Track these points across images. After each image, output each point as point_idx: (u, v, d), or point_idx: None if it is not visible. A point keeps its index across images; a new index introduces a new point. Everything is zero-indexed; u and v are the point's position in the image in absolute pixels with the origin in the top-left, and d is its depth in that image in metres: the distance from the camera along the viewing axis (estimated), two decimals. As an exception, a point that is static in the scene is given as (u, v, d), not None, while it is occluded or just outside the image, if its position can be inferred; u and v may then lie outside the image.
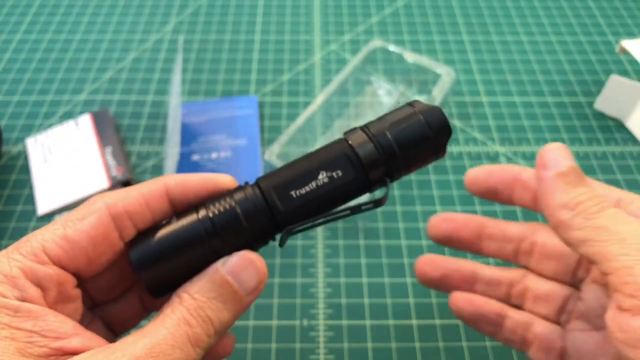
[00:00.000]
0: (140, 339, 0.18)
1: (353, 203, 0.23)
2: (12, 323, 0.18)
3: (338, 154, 0.22)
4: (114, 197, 0.21)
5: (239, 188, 0.22)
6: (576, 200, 0.22)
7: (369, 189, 0.22)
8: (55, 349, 0.18)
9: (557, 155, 0.24)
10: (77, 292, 0.21)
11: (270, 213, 0.21)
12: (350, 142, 0.22)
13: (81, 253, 0.20)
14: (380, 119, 0.23)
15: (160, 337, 0.18)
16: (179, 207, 0.22)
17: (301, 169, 0.22)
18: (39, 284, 0.19)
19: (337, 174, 0.22)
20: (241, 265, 0.21)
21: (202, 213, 0.21)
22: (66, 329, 0.18)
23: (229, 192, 0.22)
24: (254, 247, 0.22)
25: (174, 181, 0.22)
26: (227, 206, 0.21)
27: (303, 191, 0.21)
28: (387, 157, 0.22)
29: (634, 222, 0.21)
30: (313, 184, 0.21)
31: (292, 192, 0.21)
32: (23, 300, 0.18)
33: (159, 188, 0.22)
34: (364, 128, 0.23)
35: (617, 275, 0.20)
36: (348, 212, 0.23)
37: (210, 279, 0.20)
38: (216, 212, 0.21)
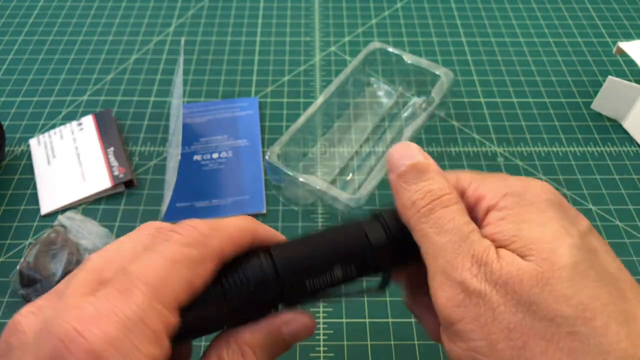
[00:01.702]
0: None
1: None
2: None
3: (355, 250, 0.22)
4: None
5: (254, 257, 0.22)
6: (411, 200, 0.21)
7: (376, 274, 0.23)
8: None
9: (398, 155, 0.22)
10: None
11: (280, 297, 0.22)
12: (369, 238, 0.22)
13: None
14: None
15: None
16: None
17: (318, 257, 0.22)
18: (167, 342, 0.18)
19: (351, 270, 0.22)
20: (300, 329, 0.22)
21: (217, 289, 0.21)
22: None
23: (245, 260, 0.22)
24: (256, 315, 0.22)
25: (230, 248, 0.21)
26: (242, 281, 0.21)
27: (316, 284, 0.22)
28: (400, 250, 0.23)
29: (455, 228, 0.20)
30: (327, 278, 0.22)
31: (307, 282, 0.22)
32: None
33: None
34: (381, 218, 0.23)
35: (431, 291, 0.20)
36: (350, 292, 0.24)
37: (272, 336, 0.21)
38: (231, 285, 0.21)
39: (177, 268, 0.19)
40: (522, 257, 0.18)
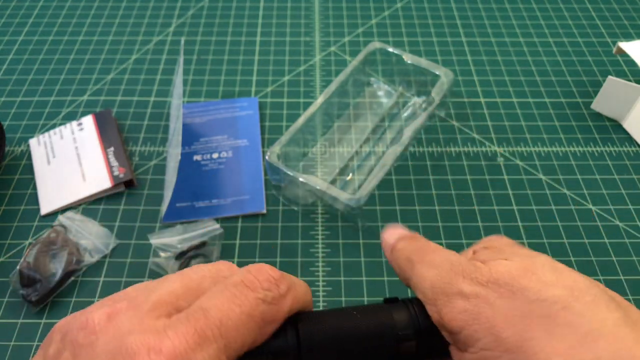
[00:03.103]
0: None
1: None
2: None
3: (382, 343, 0.22)
4: None
5: (281, 332, 0.21)
6: (407, 258, 0.24)
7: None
8: None
9: (387, 235, 0.26)
10: None
11: None
12: (399, 332, 0.22)
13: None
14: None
15: None
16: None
17: (343, 345, 0.21)
18: None
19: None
20: None
21: None
22: None
23: (269, 344, 0.21)
24: None
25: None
26: (262, 347, 0.20)
27: None
28: (425, 341, 0.22)
29: (444, 260, 0.22)
30: None
31: None
32: None
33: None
34: (411, 305, 0.23)
35: (436, 314, 0.21)
36: None
37: None
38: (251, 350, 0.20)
39: (250, 325, 0.19)
40: (507, 260, 0.21)
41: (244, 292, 0.19)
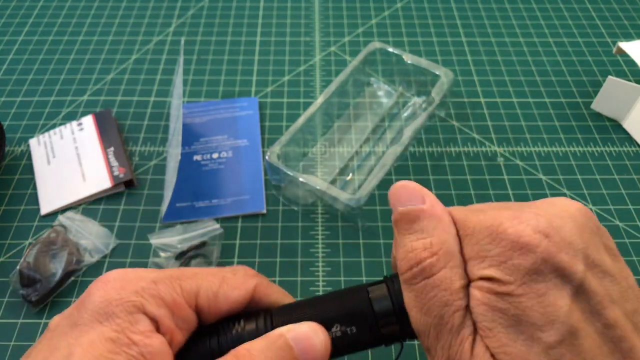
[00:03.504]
0: None
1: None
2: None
3: (355, 309, 0.21)
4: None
5: (252, 317, 0.22)
6: (397, 255, 0.21)
7: (383, 343, 0.22)
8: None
9: (394, 198, 0.21)
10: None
11: None
12: (370, 295, 0.21)
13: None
14: None
15: None
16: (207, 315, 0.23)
17: (316, 316, 0.21)
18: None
19: (351, 330, 0.21)
20: (307, 335, 0.20)
21: (214, 341, 0.21)
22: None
23: (242, 319, 0.22)
24: None
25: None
26: (238, 339, 0.21)
27: None
28: (404, 317, 0.21)
29: (436, 310, 0.19)
30: None
31: None
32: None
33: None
34: (389, 283, 0.22)
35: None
36: None
37: (272, 340, 0.20)
38: (228, 342, 0.21)
39: (210, 277, 0.23)
40: (495, 359, 0.18)
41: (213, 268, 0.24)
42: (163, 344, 0.20)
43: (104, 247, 0.42)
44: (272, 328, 0.21)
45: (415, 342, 0.37)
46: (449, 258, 0.19)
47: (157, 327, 0.20)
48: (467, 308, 0.19)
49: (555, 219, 0.18)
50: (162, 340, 0.20)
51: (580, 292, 0.18)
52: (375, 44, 0.52)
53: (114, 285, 0.20)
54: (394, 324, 0.21)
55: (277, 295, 0.23)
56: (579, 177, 0.48)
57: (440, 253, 0.19)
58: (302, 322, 0.21)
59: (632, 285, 0.19)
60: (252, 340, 0.20)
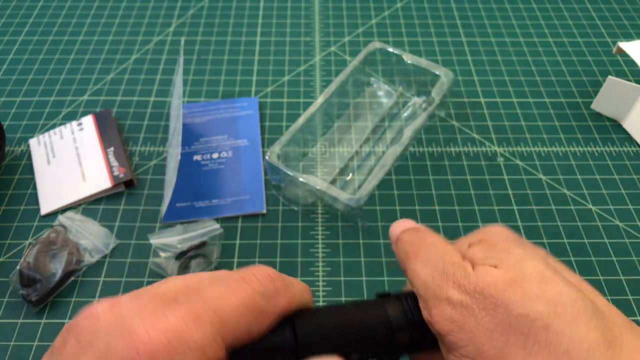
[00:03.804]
0: None
1: None
2: None
3: (377, 341, 0.22)
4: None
5: (277, 330, 0.22)
6: (404, 251, 0.25)
7: (390, 356, 0.24)
8: None
9: (394, 229, 0.26)
10: None
11: None
12: (392, 325, 0.23)
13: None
14: None
15: None
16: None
17: (340, 344, 0.22)
18: None
19: (367, 356, 0.22)
20: None
21: None
22: None
23: (266, 336, 0.21)
24: None
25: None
26: (260, 344, 0.21)
27: None
28: (419, 342, 0.23)
29: (439, 258, 0.22)
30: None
31: None
32: None
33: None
34: (404, 299, 0.23)
35: (427, 313, 0.22)
36: None
37: None
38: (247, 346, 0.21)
39: (246, 314, 0.20)
40: (494, 267, 0.21)
41: (242, 285, 0.21)
42: None
43: (104, 247, 0.42)
44: (296, 345, 0.22)
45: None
46: (438, 236, 0.25)
47: None
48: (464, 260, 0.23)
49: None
50: None
51: (544, 259, 0.22)
52: (375, 44, 0.52)
53: (161, 355, 0.17)
54: (403, 336, 0.23)
55: (299, 300, 0.23)
56: (579, 177, 0.48)
57: (434, 234, 0.25)
58: (328, 357, 0.21)
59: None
60: None
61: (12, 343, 0.38)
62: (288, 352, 0.21)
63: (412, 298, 0.24)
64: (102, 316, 0.19)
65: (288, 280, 0.22)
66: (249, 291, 0.20)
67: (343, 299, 0.40)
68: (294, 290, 0.22)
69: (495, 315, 0.20)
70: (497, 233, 0.24)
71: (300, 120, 0.45)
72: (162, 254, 0.41)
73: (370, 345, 0.23)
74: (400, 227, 0.26)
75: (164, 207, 0.43)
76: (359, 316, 0.23)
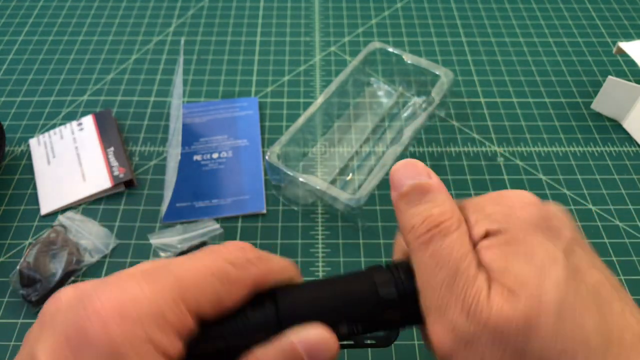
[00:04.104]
0: None
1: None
2: None
3: (364, 310, 0.21)
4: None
5: (257, 306, 0.21)
6: (410, 223, 0.21)
7: (382, 329, 0.22)
8: None
9: (401, 175, 0.22)
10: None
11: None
12: (380, 295, 0.21)
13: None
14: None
15: None
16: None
17: (324, 314, 0.21)
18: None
19: (357, 328, 0.21)
20: (317, 342, 0.20)
21: (220, 343, 0.21)
22: None
23: (247, 310, 0.21)
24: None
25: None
26: (243, 323, 0.21)
27: None
28: (408, 307, 0.21)
29: (452, 262, 0.20)
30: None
31: None
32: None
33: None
34: (394, 270, 0.22)
35: (426, 324, 0.20)
36: (352, 343, 0.22)
37: (281, 348, 0.20)
38: (232, 336, 0.21)
39: (211, 279, 0.19)
40: (511, 292, 0.19)
41: (209, 254, 0.20)
42: None
43: (104, 247, 0.42)
44: (279, 320, 0.21)
45: (416, 342, 0.37)
46: (460, 222, 0.21)
47: (168, 355, 0.19)
48: (479, 264, 0.20)
49: (549, 203, 0.22)
50: None
51: (568, 251, 0.20)
52: (375, 44, 0.52)
53: (114, 320, 0.17)
54: (395, 311, 0.21)
55: (278, 274, 0.22)
56: (579, 177, 0.48)
57: (454, 217, 0.21)
58: (311, 327, 0.20)
59: (609, 272, 0.21)
60: (262, 348, 0.20)
61: (12, 343, 0.38)
62: (271, 325, 0.21)
63: (403, 269, 0.22)
64: (63, 297, 0.19)
65: (265, 254, 0.22)
66: (216, 259, 0.20)
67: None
68: (270, 264, 0.22)
69: (504, 354, 0.18)
70: (519, 215, 0.20)
71: (300, 120, 0.45)
72: (162, 254, 0.41)
73: (358, 316, 0.21)
74: (408, 176, 0.22)
75: (164, 207, 0.43)
76: (345, 286, 0.22)
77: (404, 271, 0.22)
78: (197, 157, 0.49)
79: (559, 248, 0.20)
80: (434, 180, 0.22)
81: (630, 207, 0.45)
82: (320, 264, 0.42)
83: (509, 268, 0.19)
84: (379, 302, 0.21)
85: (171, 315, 0.18)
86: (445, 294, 0.20)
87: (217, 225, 0.42)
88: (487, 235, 0.20)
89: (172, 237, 0.41)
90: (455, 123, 0.52)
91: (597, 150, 0.50)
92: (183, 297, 0.19)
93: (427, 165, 0.23)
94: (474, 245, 0.21)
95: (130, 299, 0.18)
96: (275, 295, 0.21)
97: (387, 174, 0.44)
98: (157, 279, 0.19)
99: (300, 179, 0.41)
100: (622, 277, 0.41)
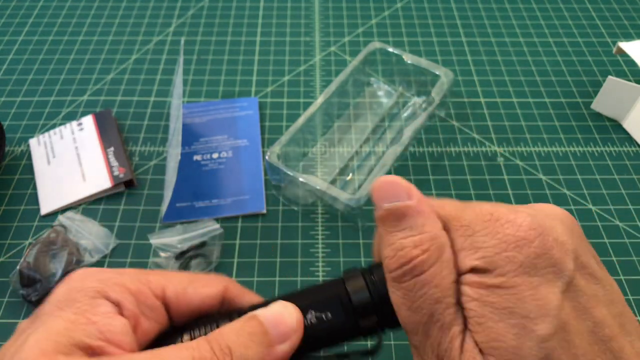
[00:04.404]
0: (149, 352, 0.18)
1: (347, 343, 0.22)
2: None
3: (331, 296, 0.21)
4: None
5: (225, 316, 0.22)
6: (384, 254, 0.20)
7: (361, 335, 0.22)
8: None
9: (377, 196, 0.20)
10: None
11: None
12: (347, 286, 0.21)
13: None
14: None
15: (165, 352, 0.18)
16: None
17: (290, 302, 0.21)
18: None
19: (326, 315, 0.21)
20: (278, 311, 0.20)
21: (186, 338, 0.21)
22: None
23: (217, 316, 0.22)
24: None
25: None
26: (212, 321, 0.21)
27: None
28: (382, 307, 0.20)
29: (425, 308, 0.18)
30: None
31: None
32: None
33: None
34: (366, 273, 0.21)
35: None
36: (335, 357, 0.22)
37: (243, 320, 0.20)
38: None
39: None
40: (484, 354, 0.18)
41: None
42: (125, 325, 0.19)
43: (104, 247, 0.42)
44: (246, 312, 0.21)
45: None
46: (440, 253, 0.19)
47: (121, 312, 0.20)
48: (457, 304, 0.18)
49: (547, 220, 0.19)
50: (124, 322, 0.19)
51: (570, 289, 0.18)
52: (375, 44, 0.52)
53: (76, 277, 0.20)
54: (371, 314, 0.21)
55: (250, 296, 0.23)
56: (579, 177, 0.48)
57: (431, 249, 0.19)
58: (274, 303, 0.21)
59: (617, 291, 0.19)
60: (227, 324, 0.20)
61: (12, 343, 0.38)
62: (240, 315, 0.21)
63: (377, 269, 0.21)
64: (74, 275, 0.21)
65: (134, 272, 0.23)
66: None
67: None
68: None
69: None
70: (512, 256, 0.18)
71: (300, 120, 0.45)
72: (162, 254, 0.41)
73: (324, 301, 0.21)
74: (384, 197, 0.20)
75: (164, 207, 0.43)
76: (315, 298, 0.22)
77: (377, 271, 0.21)
78: (197, 157, 0.49)
79: (558, 289, 0.18)
80: (413, 200, 0.20)
81: (630, 207, 0.45)
82: (320, 264, 0.42)
83: (486, 323, 0.18)
84: (353, 311, 0.21)
85: (131, 284, 0.21)
86: (421, 338, 0.19)
87: (217, 225, 0.42)
88: (473, 270, 0.18)
89: (172, 237, 0.41)
90: (455, 123, 0.52)
91: (597, 150, 0.50)
92: (148, 277, 0.22)
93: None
94: (458, 273, 0.19)
95: (99, 270, 0.21)
96: (244, 309, 0.22)
97: (387, 174, 0.44)
98: (131, 269, 0.23)
99: (300, 179, 0.41)
100: (622, 277, 0.41)
